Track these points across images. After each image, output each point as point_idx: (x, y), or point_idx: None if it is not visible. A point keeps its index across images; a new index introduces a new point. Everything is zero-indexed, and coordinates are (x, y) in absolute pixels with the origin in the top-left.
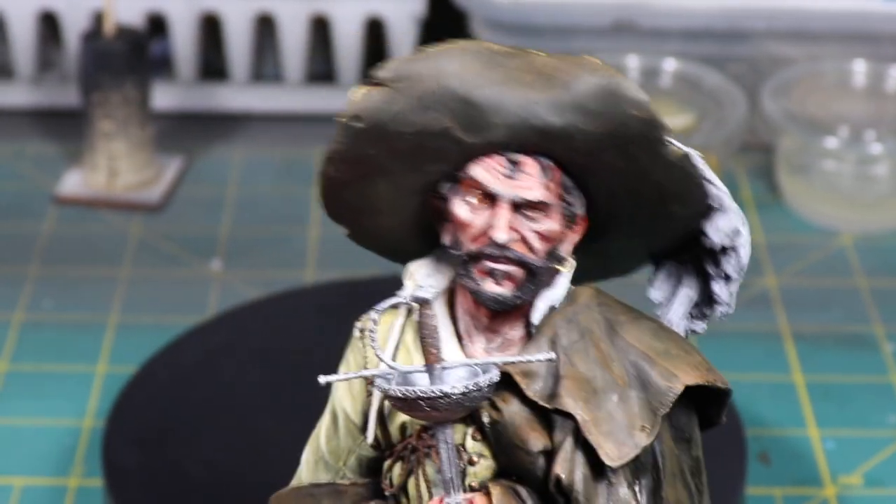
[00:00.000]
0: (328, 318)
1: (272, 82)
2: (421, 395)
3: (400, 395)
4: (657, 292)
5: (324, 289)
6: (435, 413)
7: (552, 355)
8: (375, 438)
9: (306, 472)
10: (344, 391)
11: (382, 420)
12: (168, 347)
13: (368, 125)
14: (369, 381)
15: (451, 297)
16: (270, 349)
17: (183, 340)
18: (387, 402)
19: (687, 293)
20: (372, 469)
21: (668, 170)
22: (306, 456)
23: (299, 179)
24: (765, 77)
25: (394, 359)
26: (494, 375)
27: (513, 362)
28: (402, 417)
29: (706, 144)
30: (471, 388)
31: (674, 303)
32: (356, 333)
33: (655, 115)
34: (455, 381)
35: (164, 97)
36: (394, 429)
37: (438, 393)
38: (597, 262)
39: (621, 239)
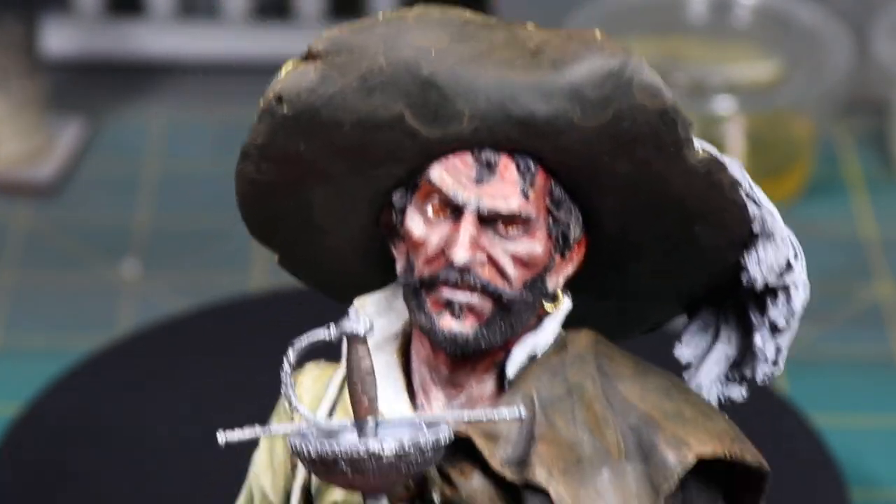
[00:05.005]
0: (280, 339)
1: (205, 18)
2: (341, 454)
3: (314, 454)
4: (686, 349)
5: (275, 300)
6: (360, 479)
7: (521, 411)
8: None
9: None
10: (264, 464)
11: (309, 500)
12: (64, 379)
13: (295, 111)
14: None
15: (406, 343)
16: (202, 381)
17: (84, 370)
18: (316, 478)
19: (723, 350)
20: None
21: (690, 179)
22: None
23: None
24: (878, 11)
25: None
26: (443, 435)
27: (468, 420)
28: (334, 496)
29: (797, 103)
30: (408, 447)
31: (707, 362)
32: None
33: (674, 106)
34: (391, 439)
35: (59, 39)
36: None
37: (364, 453)
38: (608, 310)
39: (639, 276)
